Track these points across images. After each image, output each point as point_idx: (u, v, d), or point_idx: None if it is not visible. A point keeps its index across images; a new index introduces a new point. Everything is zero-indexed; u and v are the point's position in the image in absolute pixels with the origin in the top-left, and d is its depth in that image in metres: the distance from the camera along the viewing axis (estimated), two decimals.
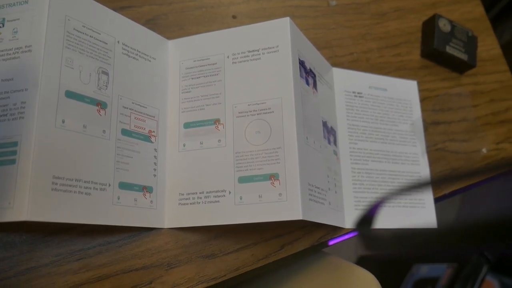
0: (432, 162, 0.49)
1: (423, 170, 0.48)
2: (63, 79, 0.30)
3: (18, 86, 0.29)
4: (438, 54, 0.53)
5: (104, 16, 0.35)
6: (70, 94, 0.31)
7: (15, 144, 0.28)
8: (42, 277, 0.32)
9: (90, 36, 0.33)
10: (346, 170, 0.45)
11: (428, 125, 0.51)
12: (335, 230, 0.43)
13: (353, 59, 0.50)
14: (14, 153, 0.28)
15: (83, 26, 0.32)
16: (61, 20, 0.31)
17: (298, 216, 0.33)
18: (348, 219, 0.43)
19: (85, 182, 0.30)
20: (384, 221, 0.44)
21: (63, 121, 0.30)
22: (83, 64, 0.32)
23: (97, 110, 0.32)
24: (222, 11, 0.46)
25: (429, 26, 0.54)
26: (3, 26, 0.31)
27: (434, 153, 0.50)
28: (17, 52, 0.30)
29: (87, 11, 0.33)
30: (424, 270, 1.05)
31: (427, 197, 0.47)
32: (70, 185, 0.29)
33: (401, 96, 0.50)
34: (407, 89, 0.50)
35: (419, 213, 0.46)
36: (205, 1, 0.45)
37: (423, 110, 0.51)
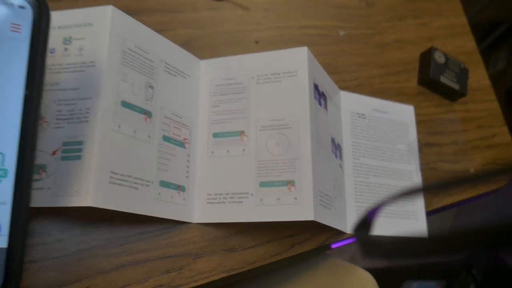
0: (424, 180, 0.55)
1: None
2: (120, 91, 0.36)
3: (83, 95, 0.35)
4: (433, 83, 0.59)
5: (151, 38, 0.40)
6: (125, 104, 0.36)
7: (80, 143, 0.33)
8: (91, 257, 0.37)
9: (140, 55, 0.38)
10: (349, 182, 0.50)
11: (423, 146, 0.57)
12: (338, 235, 0.48)
13: (358, 83, 0.56)
14: (79, 150, 0.33)
15: (135, 46, 0.38)
16: (119, 41, 0.37)
17: (311, 217, 0.39)
18: (350, 226, 0.49)
19: (134, 178, 0.36)
20: (379, 228, 0.49)
21: (119, 126, 0.35)
22: (134, 79, 0.38)
23: (145, 118, 0.38)
24: (246, 37, 0.52)
25: (426, 57, 0.60)
26: (70, 43, 0.36)
27: (427, 172, 0.56)
28: (83, 66, 0.35)
29: (138, 33, 0.39)
30: (414, 286, 1.09)
31: (420, 210, 0.52)
32: (123, 180, 0.34)
33: (399, 118, 0.56)
34: (404, 113, 0.56)
35: (411, 224, 0.52)
36: (232, 28, 0.51)
37: (419, 132, 0.56)
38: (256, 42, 0.52)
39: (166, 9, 0.48)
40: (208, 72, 0.46)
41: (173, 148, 0.40)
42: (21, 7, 0.29)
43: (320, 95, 0.46)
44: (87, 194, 0.32)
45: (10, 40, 0.29)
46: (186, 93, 0.43)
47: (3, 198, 0.28)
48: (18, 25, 0.29)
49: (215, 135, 0.43)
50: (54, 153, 0.33)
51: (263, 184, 0.41)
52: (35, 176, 0.33)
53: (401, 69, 0.60)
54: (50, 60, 0.36)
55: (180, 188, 0.40)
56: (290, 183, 0.40)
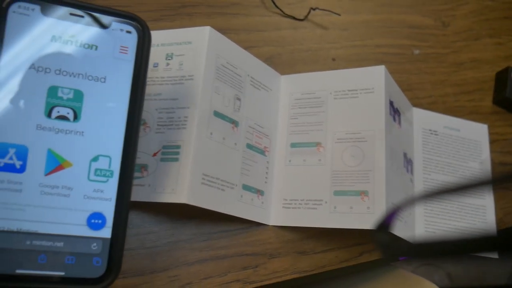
0: (497, 199, 0.54)
1: (488, 204, 0.54)
2: (213, 102, 0.40)
3: (182, 104, 0.39)
4: (509, 102, 0.59)
5: (240, 55, 0.44)
6: (216, 114, 0.40)
7: (178, 147, 0.37)
8: (178, 249, 0.41)
9: (231, 70, 0.42)
10: (421, 192, 0.51)
11: (496, 165, 0.57)
12: (417, 245, 0.49)
13: (431, 101, 0.57)
14: (177, 153, 0.37)
15: (227, 62, 0.42)
16: (214, 58, 0.41)
17: None
18: (418, 238, 0.49)
19: (221, 180, 0.39)
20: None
21: (211, 134, 0.39)
22: (225, 92, 0.41)
23: (232, 127, 0.42)
24: (324, 54, 0.54)
25: (502, 77, 0.60)
26: (171, 59, 0.41)
27: (499, 191, 0.55)
28: (182, 79, 0.40)
29: (230, 51, 0.43)
30: None
31: (491, 228, 0.52)
32: (213, 182, 0.38)
33: (472, 137, 0.56)
34: (477, 131, 0.57)
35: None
36: (311, 45, 0.54)
37: (492, 151, 0.56)
38: (333, 59, 0.55)
39: (251, 28, 0.52)
40: (288, 86, 0.49)
41: (255, 155, 0.44)
42: (128, 32, 0.34)
43: (395, 111, 0.47)
44: (182, 193, 0.36)
45: (119, 60, 0.33)
46: (268, 105, 0.47)
47: (109, 195, 0.33)
48: (126, 47, 0.33)
49: (293, 145, 0.46)
50: (154, 154, 0.38)
51: (337, 193, 0.43)
52: (138, 174, 0.37)
53: (475, 88, 0.61)
54: (154, 73, 0.41)
55: (259, 192, 0.44)
56: (363, 193, 0.42)
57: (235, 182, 0.41)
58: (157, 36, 0.42)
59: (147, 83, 0.40)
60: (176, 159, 0.37)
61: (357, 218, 0.42)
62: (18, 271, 0.30)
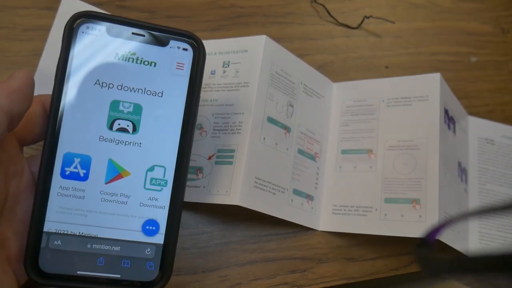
0: None
1: None
2: (267, 108, 0.41)
3: (237, 110, 0.40)
4: None
5: (294, 63, 0.45)
6: (270, 120, 0.41)
7: (233, 150, 0.39)
8: (229, 250, 0.42)
9: (284, 77, 0.43)
10: (474, 207, 0.50)
11: None
12: (459, 260, 0.48)
13: (488, 110, 0.55)
14: (232, 157, 0.38)
15: (281, 70, 0.43)
16: (269, 65, 0.42)
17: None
18: (472, 250, 0.48)
19: (273, 184, 0.40)
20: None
21: (264, 139, 0.40)
22: (279, 98, 0.42)
23: (285, 133, 0.42)
24: (377, 62, 0.54)
25: None
26: (228, 66, 0.42)
27: None
28: (238, 86, 0.41)
29: (284, 58, 0.44)
30: None
31: None
32: (264, 185, 0.39)
33: None
34: None
35: None
36: (364, 53, 0.54)
37: None
38: (386, 67, 0.54)
39: (305, 37, 0.52)
40: (340, 93, 0.49)
41: (305, 161, 0.44)
42: (185, 49, 0.36)
43: (449, 120, 0.46)
44: (235, 195, 0.37)
45: (176, 76, 0.35)
46: (319, 112, 0.47)
47: (163, 203, 0.35)
48: (182, 64, 0.35)
49: (344, 151, 0.46)
50: (210, 158, 0.39)
51: (387, 200, 0.43)
52: (193, 176, 0.39)
53: None
54: (211, 80, 0.43)
55: (309, 197, 0.44)
56: (415, 201, 0.41)
57: (286, 186, 0.42)
58: (215, 45, 0.43)
59: (205, 89, 0.42)
60: (231, 163, 0.38)
61: (408, 226, 0.41)
62: (79, 273, 0.33)
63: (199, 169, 0.39)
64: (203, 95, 0.42)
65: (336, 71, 0.52)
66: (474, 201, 0.50)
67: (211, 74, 0.43)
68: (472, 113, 0.54)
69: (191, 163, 0.40)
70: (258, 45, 0.42)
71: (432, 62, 0.56)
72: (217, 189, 0.38)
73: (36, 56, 0.43)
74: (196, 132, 0.41)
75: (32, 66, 0.43)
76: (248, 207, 0.37)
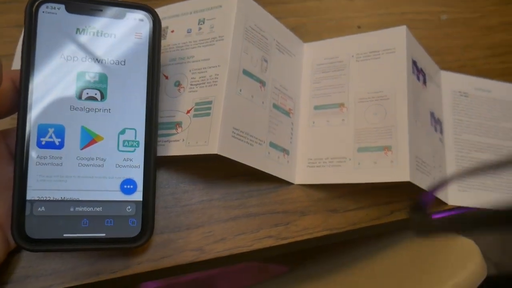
0: None
1: None
2: (242, 61, 0.45)
3: (213, 63, 0.44)
4: None
5: (268, 21, 0.49)
6: (245, 72, 0.45)
7: (210, 102, 0.43)
8: (212, 207, 0.46)
9: (258, 32, 0.47)
10: (451, 157, 0.55)
11: None
12: (439, 205, 0.54)
13: (460, 65, 0.61)
14: (209, 108, 0.42)
15: (255, 25, 0.47)
16: (243, 19, 0.46)
17: (406, 178, 0.44)
18: (452, 198, 0.54)
19: (251, 136, 0.45)
20: (477, 201, 0.54)
21: (240, 90, 0.44)
22: (254, 52, 0.47)
23: (260, 86, 0.47)
24: (349, 23, 0.60)
25: None
26: (203, 23, 0.47)
27: None
28: (213, 40, 0.45)
29: (258, 15, 0.48)
30: None
31: None
32: (242, 136, 0.44)
33: (504, 97, 0.60)
34: (510, 92, 0.60)
35: None
36: (336, 15, 0.60)
37: None
38: (359, 27, 0.60)
39: (276, 1, 0.58)
40: (311, 52, 0.54)
41: (280, 115, 0.49)
42: (141, 20, 0.42)
43: (418, 71, 0.52)
44: (214, 144, 0.41)
45: (136, 44, 0.42)
46: (291, 70, 0.52)
47: (137, 162, 0.40)
48: (140, 33, 0.42)
49: (316, 107, 0.52)
50: (188, 112, 0.44)
51: (360, 150, 0.48)
52: (173, 131, 0.44)
53: (507, 50, 0.64)
54: (187, 38, 0.47)
55: (285, 151, 0.49)
56: (387, 148, 0.47)
57: (263, 139, 0.46)
58: (189, 4, 0.48)
59: (182, 48, 0.48)
60: (208, 114, 0.42)
61: (381, 172, 0.46)
62: (66, 235, 0.38)
63: (178, 124, 0.44)
64: (181, 53, 0.47)
65: (309, 33, 0.57)
66: (450, 151, 0.56)
67: (187, 32, 0.47)
68: (444, 68, 0.59)
69: (171, 119, 0.44)
70: (231, 0, 0.46)
71: (403, 22, 0.61)
72: (196, 141, 0.42)
73: (17, 28, 0.49)
74: (175, 89, 0.45)
75: (13, 38, 0.49)
76: (227, 156, 0.41)
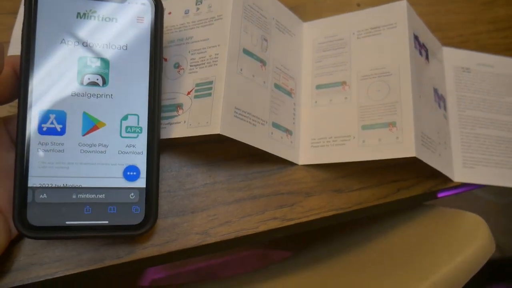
0: None
1: None
2: (242, 40, 0.44)
3: (213, 43, 0.44)
4: None
5: (267, 0, 0.49)
6: (245, 51, 0.45)
7: (211, 82, 0.42)
8: (216, 190, 0.46)
9: (257, 11, 0.47)
10: (455, 133, 0.55)
11: None
12: (445, 182, 0.53)
13: (462, 40, 0.61)
14: (210, 88, 0.42)
15: (253, 3, 0.46)
16: None
17: (412, 154, 0.44)
18: (457, 175, 0.53)
19: (253, 116, 0.44)
20: (483, 177, 0.54)
21: (241, 70, 0.44)
22: (253, 31, 0.46)
23: (261, 66, 0.46)
24: (348, 1, 0.59)
25: None
26: (201, 3, 0.46)
27: None
28: (212, 20, 0.45)
29: None
30: None
31: None
32: (244, 116, 0.43)
33: (507, 72, 0.59)
34: None
35: None
36: None
37: None
38: (358, 5, 0.59)
39: None
40: (311, 31, 0.53)
41: (282, 95, 0.49)
42: (143, 4, 0.41)
43: (420, 46, 0.52)
44: (216, 124, 0.40)
45: (137, 29, 0.41)
46: (292, 49, 0.51)
47: (140, 149, 0.40)
48: (142, 17, 0.41)
49: (318, 86, 0.51)
50: (188, 93, 0.43)
51: (365, 127, 0.48)
52: (174, 113, 0.43)
53: (510, 24, 0.64)
54: (185, 19, 0.46)
55: (288, 131, 0.49)
56: (391, 124, 0.46)
57: (265, 119, 0.46)
58: None
59: (180, 29, 0.47)
60: (209, 94, 0.42)
61: (386, 148, 0.45)
62: (68, 222, 0.37)
63: (179, 106, 0.43)
64: (179, 34, 0.46)
65: (308, 12, 0.56)
66: (455, 128, 0.55)
67: (185, 13, 0.46)
68: (446, 44, 0.58)
69: (172, 101, 0.44)
70: None
71: None
72: (197, 122, 0.41)
73: (12, 15, 0.48)
74: (174, 71, 0.45)
75: (7, 25, 0.48)
76: (230, 136, 0.41)
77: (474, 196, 1.56)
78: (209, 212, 0.45)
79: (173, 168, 0.46)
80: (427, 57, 0.52)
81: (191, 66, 0.44)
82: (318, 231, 0.73)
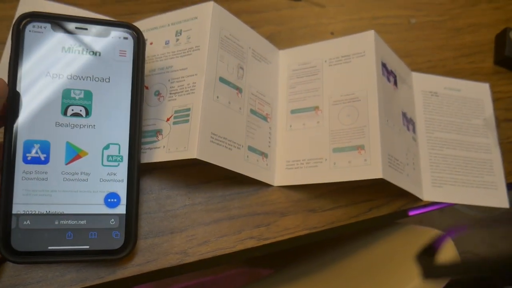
0: (504, 152, 0.60)
1: (495, 158, 0.60)
2: (218, 69, 0.47)
3: (191, 72, 0.46)
4: (510, 61, 0.65)
5: (242, 29, 0.51)
6: (222, 80, 0.47)
7: (188, 109, 0.44)
8: (194, 212, 0.47)
9: (233, 41, 0.49)
10: (424, 154, 0.58)
11: (501, 122, 0.62)
12: (415, 201, 0.55)
13: (430, 65, 0.64)
14: (187, 115, 0.44)
15: (230, 34, 0.49)
16: (218, 30, 0.48)
17: (379, 175, 0.46)
18: (426, 194, 0.56)
19: (229, 140, 0.47)
20: (454, 197, 0.57)
21: (218, 97, 0.46)
22: (229, 60, 0.49)
23: (237, 93, 0.49)
24: (323, 29, 0.62)
25: (501, 38, 0.66)
26: (180, 34, 0.49)
27: (507, 145, 0.61)
28: (190, 51, 0.47)
29: (232, 24, 0.50)
30: None
31: (499, 180, 0.58)
32: (220, 141, 0.46)
33: (473, 95, 0.62)
34: (479, 90, 0.63)
35: (490, 194, 0.58)
36: (309, 22, 0.62)
37: (496, 109, 0.62)
38: (332, 33, 0.62)
39: (252, 10, 0.60)
40: (286, 59, 0.56)
41: (258, 120, 0.51)
42: (125, 38, 0.43)
43: (388, 73, 0.54)
44: (193, 149, 0.42)
45: (120, 62, 0.43)
46: (268, 77, 0.54)
47: (121, 176, 0.42)
48: (124, 51, 0.43)
49: (293, 111, 0.54)
50: (168, 119, 0.46)
51: (335, 150, 0.50)
52: (154, 139, 0.45)
53: (476, 50, 0.67)
54: (165, 50, 0.49)
55: (263, 154, 0.51)
56: (360, 147, 0.49)
57: (241, 143, 0.48)
58: (167, 17, 0.50)
59: (160, 59, 0.49)
60: (187, 121, 0.44)
61: (355, 170, 0.47)
62: (50, 248, 0.39)
63: (158, 131, 0.45)
64: (160, 64, 0.49)
65: (283, 40, 0.59)
66: (424, 149, 0.58)
67: (165, 44, 0.49)
68: (415, 70, 0.61)
69: (152, 127, 0.46)
70: (206, 10, 0.48)
71: (374, 26, 0.64)
72: (176, 147, 0.43)
73: (2, 44, 0.51)
74: (155, 98, 0.47)
75: None
76: (206, 160, 0.43)
77: (457, 212, 1.58)
78: (188, 232, 0.47)
79: (153, 191, 0.48)
80: (395, 83, 0.55)
81: (170, 93, 0.47)
82: (297, 250, 0.75)
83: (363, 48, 0.52)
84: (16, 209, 0.38)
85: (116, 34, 0.43)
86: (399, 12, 0.67)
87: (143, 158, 0.45)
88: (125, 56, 0.43)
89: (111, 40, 0.43)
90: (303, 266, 0.68)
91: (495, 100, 0.63)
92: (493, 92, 0.63)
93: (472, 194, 0.57)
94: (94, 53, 0.42)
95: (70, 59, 0.42)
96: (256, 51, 0.53)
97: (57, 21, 0.41)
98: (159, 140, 0.45)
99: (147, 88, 0.48)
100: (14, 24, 0.40)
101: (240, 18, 0.52)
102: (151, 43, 0.51)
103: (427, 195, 0.56)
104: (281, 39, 0.59)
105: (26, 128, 0.39)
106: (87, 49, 0.42)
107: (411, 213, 0.57)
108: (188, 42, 0.48)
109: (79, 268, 0.43)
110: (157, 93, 0.48)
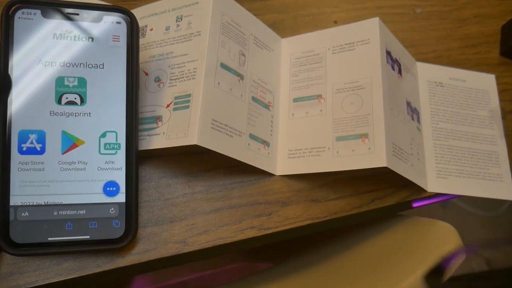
0: (510, 144, 0.59)
1: (501, 150, 0.59)
2: (219, 55, 0.46)
3: (191, 58, 0.45)
4: None
5: (245, 16, 0.50)
6: (223, 66, 0.46)
7: (188, 95, 0.44)
8: (195, 200, 0.47)
9: (235, 28, 0.49)
10: (429, 145, 0.57)
11: (507, 113, 0.61)
12: (418, 192, 0.55)
13: (435, 56, 0.63)
14: (188, 101, 0.43)
15: (231, 20, 0.48)
16: (219, 15, 0.47)
17: (383, 164, 0.45)
18: (431, 185, 0.55)
19: (230, 127, 0.46)
20: (456, 188, 0.56)
21: (219, 83, 0.45)
22: (231, 47, 0.48)
23: (238, 79, 0.48)
24: (326, 18, 0.61)
25: (507, 28, 0.65)
26: (181, 20, 0.48)
27: None
28: (191, 36, 0.46)
29: (234, 10, 0.49)
30: None
31: (505, 172, 0.57)
32: (221, 127, 0.45)
33: (479, 86, 0.61)
34: (485, 81, 0.62)
35: (496, 187, 0.57)
36: (313, 10, 0.61)
37: (502, 100, 0.61)
38: (335, 22, 0.61)
39: None
40: (289, 47, 0.55)
41: (260, 108, 0.50)
42: (118, 23, 0.42)
43: (393, 61, 0.53)
44: (193, 135, 0.42)
45: (113, 47, 0.42)
46: (270, 64, 0.53)
47: (119, 165, 0.41)
48: (118, 36, 0.42)
49: (295, 100, 0.53)
50: (168, 106, 0.45)
51: (339, 139, 0.49)
52: (154, 125, 0.45)
53: (481, 41, 0.66)
54: (166, 36, 0.48)
55: (265, 143, 0.50)
56: (364, 135, 0.48)
57: (243, 130, 0.47)
58: (168, 3, 0.49)
59: (161, 44, 0.48)
60: (187, 107, 0.43)
61: (358, 159, 0.47)
62: (50, 239, 0.38)
63: (158, 118, 0.44)
64: (160, 50, 0.48)
65: (286, 28, 0.59)
66: (428, 140, 0.57)
67: (166, 30, 0.48)
68: (420, 60, 0.60)
69: (152, 114, 0.45)
70: None
71: (378, 15, 0.62)
72: (176, 133, 0.42)
73: None
74: (155, 85, 0.46)
75: None
76: (206, 147, 0.42)
77: (460, 209, 1.57)
78: (187, 221, 0.46)
79: (153, 179, 0.47)
80: (400, 72, 0.54)
81: (170, 80, 0.46)
82: (298, 243, 0.74)
83: (368, 35, 0.51)
84: (14, 201, 0.38)
85: (108, 19, 0.42)
86: (404, 1, 0.66)
87: (143, 145, 0.44)
88: (118, 41, 0.42)
89: (103, 25, 0.42)
90: (304, 258, 0.67)
91: (501, 92, 0.62)
92: (499, 83, 0.62)
93: (478, 186, 0.56)
94: (87, 39, 0.41)
95: (62, 46, 0.41)
96: (258, 38, 0.52)
97: (47, 7, 0.40)
98: (158, 126, 0.44)
99: (146, 74, 0.47)
100: (2, 11, 0.39)
101: (242, 5, 0.51)
102: (151, 29, 0.50)
103: (431, 186, 0.55)
104: (284, 27, 0.58)
105: (21, 118, 0.39)
106: (79, 35, 0.41)
107: (415, 204, 0.56)
108: (189, 28, 0.47)
109: (76, 257, 0.42)
110: (157, 79, 0.47)
